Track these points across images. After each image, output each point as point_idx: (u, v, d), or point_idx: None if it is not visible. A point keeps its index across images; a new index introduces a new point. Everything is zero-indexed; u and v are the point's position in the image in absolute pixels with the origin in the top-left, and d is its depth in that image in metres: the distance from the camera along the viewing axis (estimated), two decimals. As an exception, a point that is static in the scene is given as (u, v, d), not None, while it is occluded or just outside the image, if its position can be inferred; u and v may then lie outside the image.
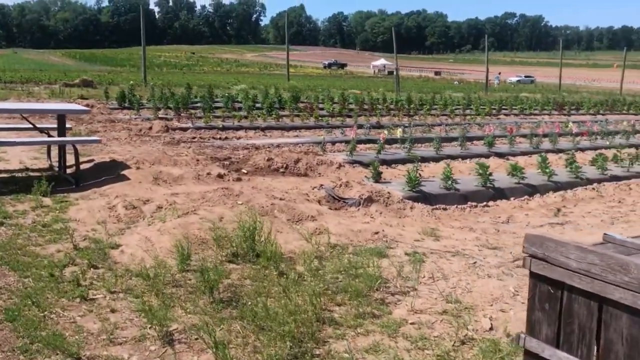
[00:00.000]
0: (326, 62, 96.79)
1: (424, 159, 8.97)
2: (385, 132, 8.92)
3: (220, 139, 10.79)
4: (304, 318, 3.21)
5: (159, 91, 15.69)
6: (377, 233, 5.00)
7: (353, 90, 26.12)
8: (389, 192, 6.05)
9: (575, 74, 78.61)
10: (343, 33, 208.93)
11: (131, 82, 20.14)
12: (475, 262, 4.41)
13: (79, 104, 14.82)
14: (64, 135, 6.80)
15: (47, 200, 5.68)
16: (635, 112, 23.31)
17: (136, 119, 12.45)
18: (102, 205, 5.54)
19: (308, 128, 12.90)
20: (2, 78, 25.52)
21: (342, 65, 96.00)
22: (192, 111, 13.95)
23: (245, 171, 7.61)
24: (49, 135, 7.18)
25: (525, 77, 69.84)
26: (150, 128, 11.02)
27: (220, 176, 6.99)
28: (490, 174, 6.87)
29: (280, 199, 5.84)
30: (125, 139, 9.81)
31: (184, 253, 4.06)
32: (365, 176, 7.23)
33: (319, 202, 5.99)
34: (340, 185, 6.28)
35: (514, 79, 66.34)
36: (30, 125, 7.34)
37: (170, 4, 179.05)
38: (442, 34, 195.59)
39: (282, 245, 4.48)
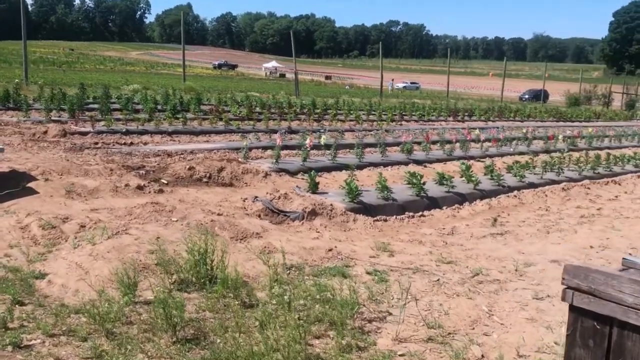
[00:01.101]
0: (216, 63, 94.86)
1: (347, 166, 8.82)
2: (309, 138, 8.65)
3: (125, 144, 10.00)
4: (289, 356, 2.86)
5: (48, 91, 14.33)
6: (330, 250, 4.73)
7: (253, 93, 25.66)
8: (331, 205, 5.79)
9: (456, 82, 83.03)
10: (232, 34, 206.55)
11: (16, 80, 18.35)
12: (438, 280, 4.27)
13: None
14: (-45, 143, 5.87)
15: (-61, 220, 4.83)
16: (520, 119, 24.94)
17: (25, 121, 11.25)
18: (11, 225, 4.79)
19: (218, 132, 12.35)
20: None
21: (233, 66, 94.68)
22: (89, 113, 12.89)
23: (166, 182, 7.02)
24: None
25: (411, 83, 72.71)
26: (46, 132, 9.97)
27: (140, 187, 6.38)
28: (424, 184, 6.83)
29: (219, 214, 5.39)
30: (19, 145, 8.77)
31: (128, 282, 3.54)
32: (297, 185, 6.93)
33: (258, 216, 5.60)
34: (279, 197, 5.93)
35: (401, 85, 68.90)
36: None
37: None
38: (330, 39, 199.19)
39: (233, 267, 4.07)
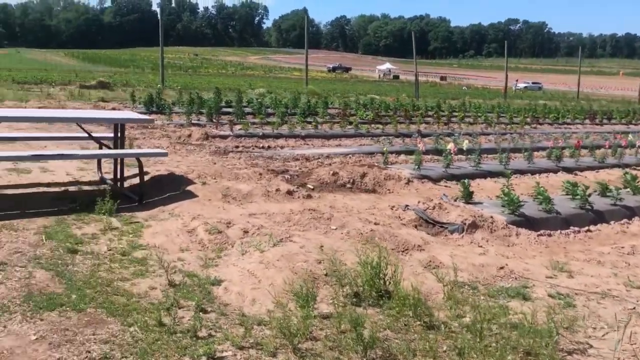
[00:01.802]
0: (330, 66, 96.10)
1: (492, 174, 8.38)
2: (451, 144, 8.31)
3: (262, 147, 10.20)
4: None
5: (186, 95, 15.07)
6: (502, 268, 4.40)
7: (372, 95, 25.55)
8: (491, 217, 5.44)
9: (582, 81, 78.06)
10: (345, 36, 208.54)
11: (158, 85, 19.49)
12: (634, 308, 3.81)
13: (103, 107, 14.25)
14: (123, 146, 6.21)
15: (114, 221, 5.07)
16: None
17: (169, 124, 11.86)
18: (179, 228, 4.93)
19: (348, 136, 12.30)
20: (15, 78, 24.92)
21: (347, 69, 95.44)
22: (224, 117, 13.38)
23: (312, 187, 7.01)
24: (102, 146, 6.58)
25: (533, 83, 69.25)
26: (190, 135, 10.42)
27: (289, 192, 6.39)
28: (589, 195, 6.27)
29: (375, 224, 5.24)
30: (168, 148, 9.19)
31: (307, 294, 3.45)
32: (444, 194, 6.63)
33: (415, 227, 5.38)
34: (434, 207, 5.67)
35: (522, 85, 65.77)
36: (74, 135, 6.76)
37: (173, 5, 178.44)
38: (445, 39, 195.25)
39: (407, 283, 3.87)
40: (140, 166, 5.76)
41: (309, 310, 3.40)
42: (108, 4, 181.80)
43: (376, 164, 8.14)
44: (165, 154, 6.16)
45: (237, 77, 54.82)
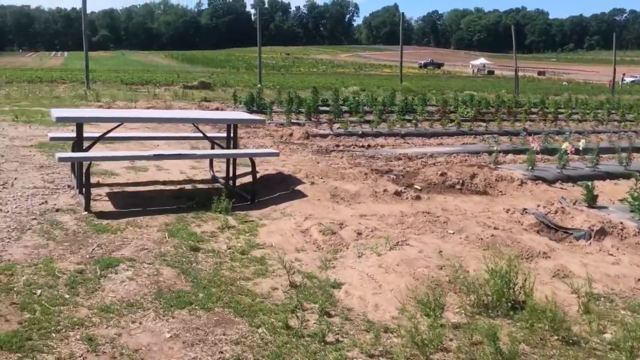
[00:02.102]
0: (422, 62, 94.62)
1: (611, 175, 7.85)
2: (567, 143, 7.83)
3: (362, 146, 10.11)
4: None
5: (285, 94, 15.29)
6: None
7: (469, 92, 24.83)
8: (621, 223, 5.05)
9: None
10: (437, 32, 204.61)
11: (258, 85, 19.92)
12: None
13: (206, 107, 14.73)
14: (236, 146, 6.33)
15: (230, 220, 5.16)
16: None
17: (269, 123, 12.05)
18: (293, 228, 4.94)
19: (450, 135, 11.98)
20: (123, 79, 26.42)
21: (439, 65, 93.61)
22: (322, 116, 13.45)
23: (419, 187, 6.84)
24: (214, 145, 6.75)
25: (642, 77, 64.76)
26: (291, 134, 10.52)
27: (397, 193, 6.25)
28: None
29: (495, 228, 5.01)
30: (272, 147, 9.34)
31: (435, 302, 3.32)
32: (562, 197, 6.26)
33: (537, 232, 5.09)
34: (556, 212, 5.34)
35: (629, 80, 61.59)
36: (191, 135, 6.98)
37: (266, 5, 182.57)
38: (542, 32, 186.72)
39: (539, 293, 3.65)
40: (253, 166, 5.84)
41: (436, 319, 3.27)
42: (205, 6, 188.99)
43: (485, 164, 7.83)
44: (276, 154, 6.22)
45: (328, 76, 55.21)
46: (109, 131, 5.81)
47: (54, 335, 2.96)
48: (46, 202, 5.40)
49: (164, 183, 6.54)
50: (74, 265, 3.91)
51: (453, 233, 4.85)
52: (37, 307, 3.24)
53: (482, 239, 4.66)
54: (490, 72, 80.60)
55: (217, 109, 14.16)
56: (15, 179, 6.24)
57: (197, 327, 3.16)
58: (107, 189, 6.07)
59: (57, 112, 5.49)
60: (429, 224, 5.03)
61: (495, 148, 8.11)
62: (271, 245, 4.60)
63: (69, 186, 6.06)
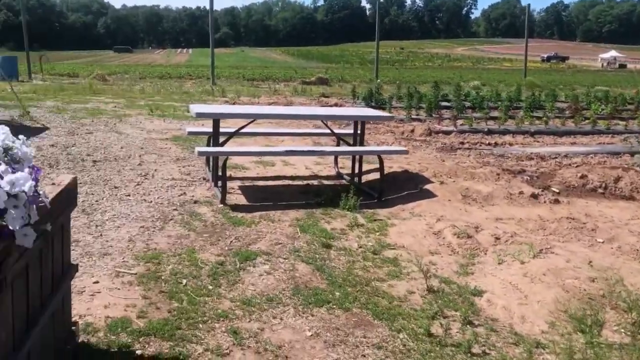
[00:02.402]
0: (545, 56, 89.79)
1: None
2: None
3: (489, 144, 9.68)
4: None
5: (404, 89, 15.06)
6: None
7: (601, 87, 23.13)
8: None
9: None
10: (562, 23, 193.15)
11: (378, 80, 19.86)
12: None
13: (326, 103, 14.85)
14: (362, 143, 6.27)
15: (359, 218, 5.11)
16: None
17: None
18: (424, 229, 4.80)
19: (584, 134, 11.16)
20: (244, 76, 27.41)
21: (563, 58, 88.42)
22: (443, 111, 13.09)
23: (557, 190, 6.41)
24: (340, 142, 6.74)
25: None
26: (413, 131, 10.32)
27: (533, 196, 5.89)
28: None
29: (652, 238, 4.56)
30: (393, 143, 9.21)
31: (592, 319, 3.05)
32: None
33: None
34: None
35: None
36: (320, 131, 7.03)
37: (382, 0, 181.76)
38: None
39: None
40: (381, 163, 5.76)
41: (593, 336, 3.00)
42: (321, 2, 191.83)
43: (630, 166, 7.20)
44: (404, 152, 6.09)
45: (444, 70, 53.96)
46: (243, 127, 5.97)
47: (201, 325, 3.05)
48: (184, 193, 5.66)
49: (292, 178, 6.63)
50: (214, 256, 4.04)
51: (603, 242, 4.47)
52: (184, 297, 3.36)
53: (637, 249, 4.25)
54: (622, 66, 74.91)
55: (335, 104, 14.22)
56: (155, 170, 6.60)
57: (337, 327, 3.13)
58: (239, 183, 6.25)
59: (196, 108, 5.72)
60: (575, 230, 4.68)
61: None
62: (403, 246, 4.49)
63: (204, 179, 6.31)
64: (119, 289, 3.43)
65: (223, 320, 3.12)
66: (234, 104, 14.35)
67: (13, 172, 1.85)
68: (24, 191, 1.79)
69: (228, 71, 31.85)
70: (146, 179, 6.18)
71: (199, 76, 26.54)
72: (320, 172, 7.02)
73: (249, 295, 3.44)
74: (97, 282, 3.49)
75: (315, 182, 6.48)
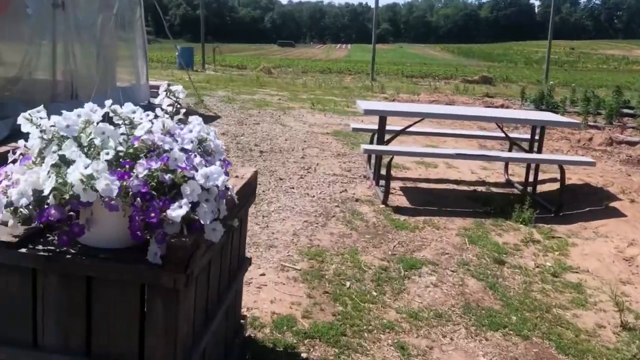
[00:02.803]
0: None
1: None
2: None
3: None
4: None
5: (580, 94, 13.83)
6: None
7: None
8: None
9: None
10: None
11: (550, 82, 18.57)
12: None
13: (491, 103, 14.12)
14: (540, 150, 5.75)
15: (534, 233, 4.66)
16: None
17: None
18: (612, 253, 4.24)
19: None
20: (404, 72, 27.13)
21: None
22: (624, 119, 11.79)
23: None
24: (513, 147, 6.26)
25: None
26: (590, 139, 9.37)
27: None
28: None
29: None
30: (568, 152, 8.42)
31: None
32: None
33: None
34: None
35: None
36: (475, 133, 6.59)
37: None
38: None
39: None
40: (562, 174, 5.21)
41: None
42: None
43: None
44: (592, 163, 5.46)
45: (621, 73, 49.16)
46: (409, 125, 5.76)
47: (366, 335, 2.90)
48: (345, 190, 5.58)
49: (456, 182, 6.28)
50: (377, 260, 3.87)
51: None
52: (348, 301, 3.23)
53: None
54: None
55: (502, 105, 13.45)
56: (317, 164, 6.61)
57: (515, 356, 2.80)
58: (400, 183, 6.05)
59: (364, 105, 5.61)
60: None
61: None
62: (587, 270, 3.98)
63: (364, 176, 6.20)
64: (284, 283, 3.39)
65: (389, 332, 2.94)
66: (393, 100, 14.18)
67: (206, 165, 1.80)
68: (216, 185, 1.73)
69: (387, 67, 31.73)
70: (309, 172, 6.21)
71: (358, 71, 26.75)
72: (487, 177, 6.58)
73: (416, 308, 3.23)
74: (263, 274, 3.49)
75: (482, 189, 6.07)
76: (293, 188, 5.51)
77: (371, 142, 6.39)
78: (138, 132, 1.81)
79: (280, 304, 3.14)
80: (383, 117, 5.56)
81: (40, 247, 1.73)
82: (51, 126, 1.78)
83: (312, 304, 3.15)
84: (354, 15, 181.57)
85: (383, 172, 5.77)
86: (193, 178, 1.72)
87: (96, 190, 1.57)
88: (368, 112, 5.39)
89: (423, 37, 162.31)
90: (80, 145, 1.76)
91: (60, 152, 1.69)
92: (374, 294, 3.36)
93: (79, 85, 8.15)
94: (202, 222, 1.70)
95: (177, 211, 1.64)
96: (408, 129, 5.77)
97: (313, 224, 4.51)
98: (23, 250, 1.71)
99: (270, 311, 3.04)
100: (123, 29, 9.67)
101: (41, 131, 1.74)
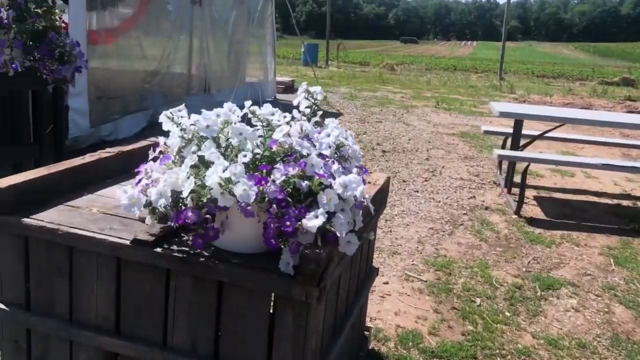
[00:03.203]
0: None
1: None
2: None
3: None
4: None
5: None
6: None
7: None
8: None
9: None
10: None
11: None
12: None
13: (635, 108, 12.93)
14: None
15: (692, 258, 4.11)
16: None
17: None
18: None
19: None
20: (534, 72, 25.71)
21: None
22: None
23: None
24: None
25: None
26: None
27: None
28: None
29: None
30: None
31: None
32: None
33: None
34: None
35: None
36: (617, 141, 5.93)
37: None
38: None
39: None
40: None
41: None
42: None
43: None
44: None
45: None
46: (548, 131, 5.34)
47: (498, 359, 2.66)
48: (474, 197, 5.28)
49: (597, 194, 5.75)
50: (510, 277, 3.58)
51: None
52: (479, 320, 3.00)
53: None
54: None
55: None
56: (443, 167, 6.35)
57: (676, 405, 2.43)
58: (533, 192, 5.63)
59: (499, 107, 5.27)
60: None
61: None
62: None
63: (494, 182, 5.85)
64: (408, 294, 3.23)
65: (525, 359, 2.68)
66: (523, 101, 13.42)
67: (344, 173, 1.69)
68: (354, 196, 1.61)
69: (515, 66, 30.22)
70: (434, 175, 5.97)
71: (485, 70, 25.72)
72: (633, 190, 5.97)
73: (555, 334, 2.92)
74: (387, 282, 3.35)
75: (628, 203, 5.50)
76: (417, 191, 5.31)
77: (503, 147, 6.01)
78: (276, 135, 1.72)
79: (405, 316, 2.97)
80: (519, 120, 5.19)
81: (175, 247, 1.71)
82: (190, 125, 1.76)
83: (439, 320, 2.96)
84: (481, 12, 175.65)
85: (516, 179, 5.41)
86: (330, 186, 1.62)
87: (233, 195, 1.51)
88: (504, 115, 5.05)
89: (555, 35, 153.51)
90: (218, 146, 1.71)
91: (199, 153, 1.65)
92: (507, 314, 3.10)
93: (211, 79, 8.46)
94: (337, 234, 1.58)
95: (313, 221, 1.54)
96: (546, 134, 5.34)
97: (439, 231, 4.29)
98: (158, 250, 1.69)
99: (395, 324, 2.89)
100: (255, 26, 9.93)
101: (182, 130, 1.71)
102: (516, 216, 4.76)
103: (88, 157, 2.25)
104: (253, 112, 1.81)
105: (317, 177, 1.61)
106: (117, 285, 1.80)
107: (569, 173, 6.51)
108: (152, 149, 1.83)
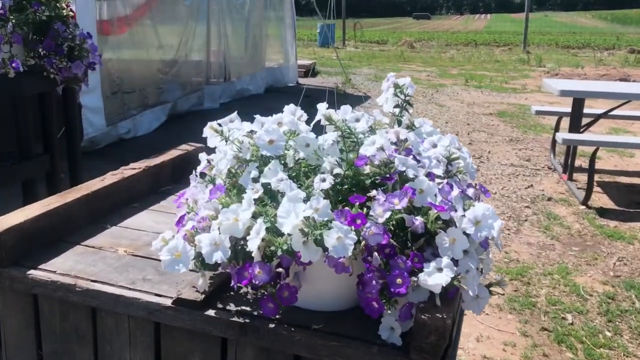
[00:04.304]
0: None
1: None
2: None
3: None
4: None
5: None
6: None
7: None
8: None
9: None
10: None
11: None
12: None
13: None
14: None
15: None
16: None
17: None
18: None
19: None
20: (558, 43, 24.83)
21: None
22: None
23: None
24: None
25: None
26: None
27: None
28: None
29: None
30: None
31: None
32: None
33: None
34: None
35: None
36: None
37: None
38: None
39: None
40: None
41: None
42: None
43: None
44: None
45: None
46: (612, 109, 4.79)
47: (614, 399, 2.19)
48: (531, 185, 4.77)
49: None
50: (598, 283, 3.09)
51: None
52: (577, 344, 2.52)
53: None
54: None
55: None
56: (489, 152, 5.83)
57: None
58: (595, 177, 5.09)
59: (558, 85, 4.73)
60: None
61: None
62: None
63: (548, 167, 5.33)
64: (487, 313, 2.76)
65: (646, 398, 2.20)
66: (556, 75, 12.76)
67: (468, 200, 1.21)
68: (490, 237, 1.13)
69: (537, 38, 29.23)
70: (481, 162, 5.46)
71: (506, 43, 24.86)
72: (702, 170, 5.41)
73: (672, 360, 2.44)
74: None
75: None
76: (468, 182, 4.80)
77: (557, 129, 5.47)
78: (366, 150, 1.25)
79: (489, 343, 2.51)
80: (580, 99, 4.65)
81: (232, 307, 1.25)
82: (243, 136, 1.29)
83: (530, 346, 2.48)
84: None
85: (575, 163, 4.89)
86: (452, 222, 1.14)
87: (321, 245, 1.04)
88: (565, 94, 4.51)
89: (570, 4, 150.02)
90: (285, 166, 1.24)
91: (262, 180, 1.18)
92: (608, 334, 2.61)
93: (230, 66, 7.98)
94: (470, 292, 1.11)
95: (436, 277, 1.07)
96: (610, 113, 4.79)
97: (504, 230, 3.80)
98: (211, 313, 1.23)
99: (480, 354, 2.42)
100: (272, 8, 9.39)
101: (238, 149, 1.24)
102: (584, 207, 4.24)
103: (109, 178, 1.80)
104: (329, 118, 1.33)
105: (435, 210, 1.13)
106: (157, 356, 1.35)
107: (628, 153, 5.95)
108: (193, 174, 1.36)
